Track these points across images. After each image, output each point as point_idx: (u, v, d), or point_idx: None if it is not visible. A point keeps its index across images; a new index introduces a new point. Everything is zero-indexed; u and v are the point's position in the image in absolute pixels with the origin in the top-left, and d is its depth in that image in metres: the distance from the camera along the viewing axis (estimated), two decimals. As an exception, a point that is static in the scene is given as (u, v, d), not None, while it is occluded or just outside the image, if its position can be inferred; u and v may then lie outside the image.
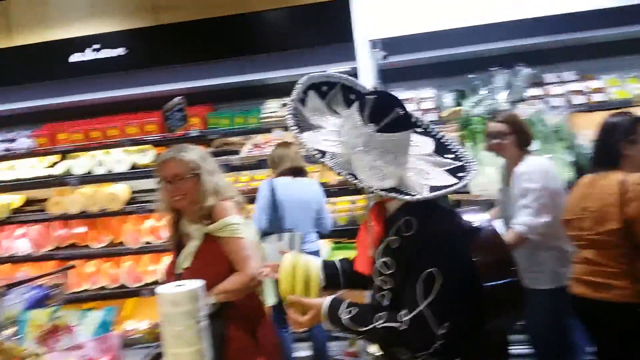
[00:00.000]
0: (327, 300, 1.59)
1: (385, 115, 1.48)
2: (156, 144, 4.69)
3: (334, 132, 1.60)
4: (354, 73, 4.14)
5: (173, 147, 2.35)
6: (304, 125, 1.58)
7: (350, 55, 4.17)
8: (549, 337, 2.93)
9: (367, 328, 1.49)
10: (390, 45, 4.18)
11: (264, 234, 3.51)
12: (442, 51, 4.21)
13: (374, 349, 1.75)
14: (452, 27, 4.06)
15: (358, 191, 1.74)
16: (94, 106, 4.90)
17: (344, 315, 1.53)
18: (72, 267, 4.28)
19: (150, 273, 4.47)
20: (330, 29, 4.28)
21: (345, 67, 4.21)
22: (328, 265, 1.83)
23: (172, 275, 2.26)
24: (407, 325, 1.43)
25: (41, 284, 3.75)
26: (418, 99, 4.20)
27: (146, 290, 4.34)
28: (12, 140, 4.87)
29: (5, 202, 4.74)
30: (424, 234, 1.47)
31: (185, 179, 2.23)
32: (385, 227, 1.56)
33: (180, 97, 4.32)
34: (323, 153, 1.51)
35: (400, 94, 4.22)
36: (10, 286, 3.34)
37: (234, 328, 2.19)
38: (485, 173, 3.72)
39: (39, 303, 3.45)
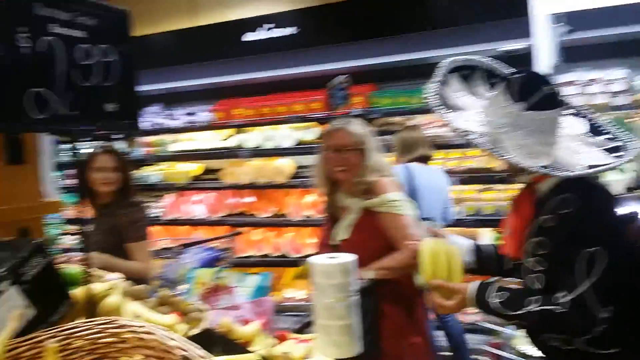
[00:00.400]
0: (473, 284, 1.56)
1: (534, 93, 1.47)
2: (320, 121, 4.81)
3: (477, 113, 1.59)
4: (528, 51, 3.82)
5: (342, 119, 2.40)
6: (447, 106, 1.58)
7: (524, 31, 3.84)
8: None
9: (520, 312, 1.43)
10: (575, 19, 3.76)
11: None
12: (636, 27, 3.69)
13: (518, 343, 1.65)
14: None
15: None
16: (265, 84, 5.16)
17: (493, 299, 1.49)
18: (240, 233, 4.63)
19: (309, 245, 4.64)
20: (504, 2, 4.00)
21: (518, 44, 3.92)
22: (482, 250, 1.81)
23: (326, 246, 2.30)
24: (566, 307, 1.36)
25: (213, 247, 4.09)
26: (606, 80, 3.73)
27: (305, 261, 4.49)
28: (193, 114, 5.35)
29: (187, 170, 5.24)
30: (586, 211, 1.42)
31: (351, 150, 2.25)
32: (536, 207, 1.52)
33: (343, 76, 4.35)
34: (469, 133, 1.51)
35: (585, 74, 3.80)
36: (186, 246, 3.70)
37: (390, 305, 2.18)
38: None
39: (209, 263, 3.76)
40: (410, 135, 3.70)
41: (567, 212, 1.42)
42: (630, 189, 3.35)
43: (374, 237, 2.20)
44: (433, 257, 1.65)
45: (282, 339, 1.69)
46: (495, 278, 1.69)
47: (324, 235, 2.41)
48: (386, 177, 2.30)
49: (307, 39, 4.81)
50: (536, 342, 1.57)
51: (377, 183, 2.25)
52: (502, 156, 1.46)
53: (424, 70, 4.47)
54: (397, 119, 4.56)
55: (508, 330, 3.15)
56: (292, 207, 4.71)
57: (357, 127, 2.31)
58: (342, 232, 2.27)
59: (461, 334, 3.66)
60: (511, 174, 1.62)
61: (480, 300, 1.52)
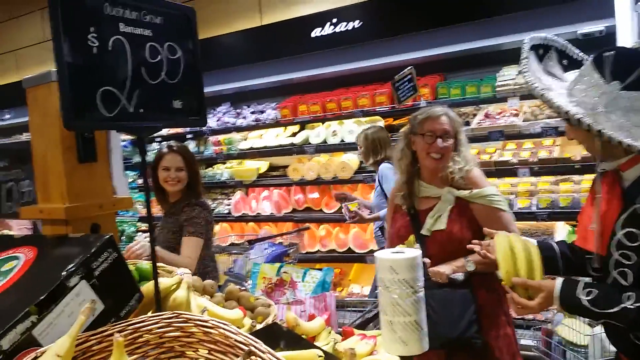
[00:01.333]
0: (558, 281, 1.47)
1: (632, 71, 1.36)
2: (386, 115, 4.74)
3: (562, 94, 1.49)
4: (610, 32, 3.59)
5: (436, 106, 2.34)
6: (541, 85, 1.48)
7: (606, 12, 3.61)
8: None
9: (615, 309, 1.34)
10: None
11: None
12: None
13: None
14: None
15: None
16: (331, 79, 5.16)
17: (583, 296, 1.39)
18: (308, 228, 4.65)
19: (374, 241, 4.59)
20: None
21: (599, 26, 3.68)
22: (544, 248, 1.69)
23: (403, 237, 2.24)
24: None
25: (280, 242, 4.13)
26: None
27: (370, 257, 4.48)
28: (261, 112, 5.42)
29: (254, 167, 5.32)
30: None
31: (451, 137, 2.22)
32: (625, 197, 1.42)
33: (409, 67, 4.27)
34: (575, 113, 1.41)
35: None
36: (253, 242, 3.74)
37: (485, 296, 2.15)
38: None
39: (277, 259, 3.80)
40: (378, 135, 3.78)
41: None
42: None
43: (468, 228, 2.16)
44: (511, 252, 1.56)
45: (347, 334, 1.67)
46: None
47: (400, 226, 2.33)
48: (476, 168, 2.27)
49: (371, 32, 4.77)
50: (621, 340, 1.48)
51: (472, 173, 2.21)
52: (610, 137, 1.35)
53: (492, 59, 4.41)
54: (466, 109, 4.42)
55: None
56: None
57: (454, 115, 2.28)
58: (436, 222, 2.20)
59: None
60: (595, 161, 1.52)
61: (568, 298, 1.43)
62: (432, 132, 2.21)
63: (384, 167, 3.74)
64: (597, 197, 1.49)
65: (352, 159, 4.78)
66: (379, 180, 3.80)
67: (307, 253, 4.73)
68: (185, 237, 2.65)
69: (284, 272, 2.40)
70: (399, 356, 1.47)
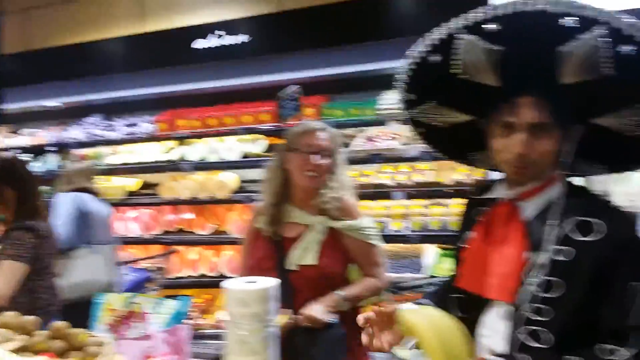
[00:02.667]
0: None
1: None
2: (269, 133, 4.57)
3: None
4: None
5: (316, 121, 2.20)
6: None
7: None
8: None
9: None
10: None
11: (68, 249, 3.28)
12: None
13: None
14: None
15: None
16: (213, 94, 4.90)
17: None
18: (174, 252, 4.29)
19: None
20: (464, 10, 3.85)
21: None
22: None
23: (267, 270, 1.96)
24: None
25: (145, 267, 3.76)
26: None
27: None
28: (135, 125, 5.01)
29: (122, 185, 4.87)
30: (622, 235, 1.12)
31: (327, 156, 2.01)
32: (528, 234, 1.18)
33: (295, 86, 4.14)
34: None
35: None
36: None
37: (349, 330, 1.92)
38: (633, 181, 3.10)
39: (139, 286, 3.41)
40: (74, 167, 3.75)
41: (595, 239, 1.12)
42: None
43: (340, 262, 2.00)
44: (439, 337, 1.15)
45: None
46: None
47: (262, 257, 2.05)
48: (351, 195, 2.09)
49: (258, 48, 4.60)
50: None
51: (346, 202, 2.02)
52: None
53: (376, 82, 4.40)
54: (349, 131, 4.36)
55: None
56: (233, 224, 4.41)
57: (335, 132, 2.09)
58: (305, 254, 1.96)
59: None
60: (477, 186, 1.33)
61: None
62: (308, 147, 1.99)
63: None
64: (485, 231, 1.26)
65: (230, 178, 4.53)
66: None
67: (176, 278, 4.36)
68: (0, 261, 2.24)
69: (134, 303, 2.09)
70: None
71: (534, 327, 1.13)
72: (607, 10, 1.01)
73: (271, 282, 1.31)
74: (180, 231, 4.68)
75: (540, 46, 1.07)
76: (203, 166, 4.63)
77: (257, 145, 4.51)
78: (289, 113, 4.28)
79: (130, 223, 4.75)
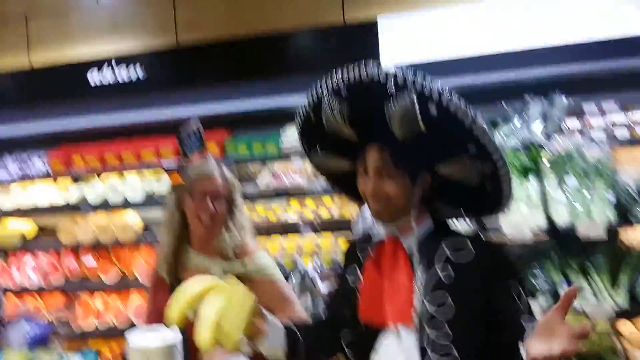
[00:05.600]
0: None
1: None
2: (172, 170, 4.52)
3: None
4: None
5: (208, 161, 2.08)
6: None
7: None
8: None
9: None
10: (418, 70, 3.94)
11: None
12: (473, 77, 3.95)
13: None
14: (485, 53, 3.81)
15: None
16: (110, 130, 4.76)
17: None
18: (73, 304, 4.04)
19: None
20: (357, 52, 4.06)
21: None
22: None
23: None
24: None
25: (47, 320, 3.58)
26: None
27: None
28: (26, 162, 4.75)
29: (18, 229, 4.60)
30: (488, 249, 1.34)
31: (224, 200, 1.96)
32: (411, 261, 1.36)
33: (195, 120, 4.13)
34: None
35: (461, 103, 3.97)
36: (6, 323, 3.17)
37: None
38: (518, 210, 3.44)
39: (42, 341, 3.26)
40: None
41: (467, 261, 1.31)
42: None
43: None
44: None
45: None
46: None
47: (163, 304, 2.04)
48: (250, 236, 2.04)
49: (156, 83, 4.52)
50: None
51: (245, 243, 1.98)
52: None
53: (278, 117, 4.50)
54: (253, 167, 4.43)
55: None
56: (140, 267, 4.31)
57: (230, 174, 2.01)
58: None
59: None
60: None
61: None
62: (202, 193, 1.94)
63: None
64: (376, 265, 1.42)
65: (134, 219, 4.42)
66: None
67: (81, 332, 4.17)
68: None
69: (36, 360, 2.04)
70: None
71: (438, 343, 1.28)
72: (419, 78, 1.21)
73: (175, 335, 1.34)
74: (84, 278, 4.49)
75: (375, 105, 1.26)
76: (105, 206, 4.49)
77: (161, 182, 4.44)
78: (191, 148, 4.25)
79: (28, 271, 4.49)
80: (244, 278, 1.89)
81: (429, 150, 1.32)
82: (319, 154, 1.52)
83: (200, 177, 1.97)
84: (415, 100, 1.20)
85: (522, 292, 1.30)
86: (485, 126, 1.24)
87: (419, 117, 1.22)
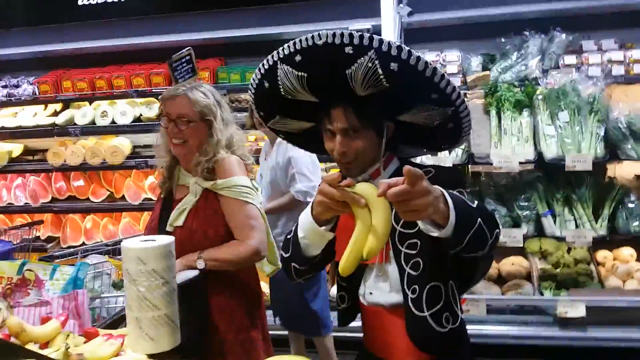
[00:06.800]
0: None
1: None
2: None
3: None
4: (376, 31, 3.84)
5: (189, 81, 2.07)
6: None
7: (373, 11, 3.85)
8: None
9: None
10: (416, 1, 3.86)
11: None
12: (472, 11, 3.88)
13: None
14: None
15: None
16: (101, 54, 4.67)
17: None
18: (41, 222, 4.07)
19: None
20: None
21: (367, 23, 3.91)
22: None
23: (155, 230, 2.04)
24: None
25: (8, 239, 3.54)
26: (442, 62, 3.89)
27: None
28: (16, 87, 4.68)
29: (5, 150, 4.57)
30: (445, 171, 1.54)
31: (192, 122, 1.97)
32: None
33: (188, 48, 4.05)
34: None
35: (424, 55, 3.92)
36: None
37: (224, 299, 1.99)
38: (508, 144, 3.45)
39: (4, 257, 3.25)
40: None
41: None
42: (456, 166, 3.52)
43: (213, 223, 1.98)
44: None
45: (90, 336, 1.45)
46: None
47: (154, 217, 2.12)
48: (240, 155, 2.07)
49: (147, 7, 4.42)
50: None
51: (222, 162, 1.99)
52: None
53: (271, 47, 4.40)
54: (246, 95, 4.38)
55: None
56: (130, 190, 4.32)
57: (201, 95, 2.00)
58: (179, 216, 1.99)
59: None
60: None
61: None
62: (167, 115, 1.98)
63: None
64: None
65: (124, 143, 4.40)
66: None
67: (69, 247, 4.22)
68: None
69: (28, 270, 2.05)
70: (146, 354, 1.32)
71: (414, 259, 1.40)
72: (377, 38, 1.25)
73: (168, 240, 1.37)
74: (72, 198, 4.51)
75: (335, 70, 1.31)
76: (93, 130, 4.46)
77: (152, 109, 4.39)
78: (183, 76, 4.19)
79: (16, 191, 4.50)
80: (215, 195, 1.98)
81: (392, 102, 1.38)
82: (278, 119, 1.57)
83: (167, 100, 2.01)
84: (376, 59, 1.24)
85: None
86: (443, 73, 1.32)
87: (381, 74, 1.26)
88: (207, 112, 1.99)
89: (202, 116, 1.98)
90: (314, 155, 3.12)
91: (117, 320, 1.87)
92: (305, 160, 3.10)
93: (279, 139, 3.15)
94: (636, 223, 3.35)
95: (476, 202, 1.30)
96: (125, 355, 1.33)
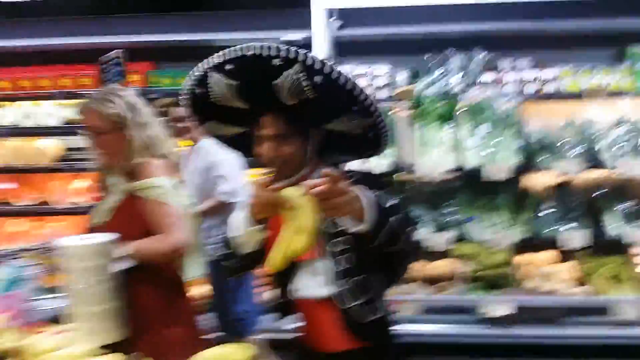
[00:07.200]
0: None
1: None
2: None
3: None
4: (307, 43, 3.96)
5: (99, 92, 2.06)
6: None
7: (305, 23, 3.97)
8: None
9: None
10: (347, 15, 4.02)
11: None
12: (400, 28, 4.07)
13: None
14: (412, 4, 3.94)
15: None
16: (26, 54, 4.52)
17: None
18: None
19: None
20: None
21: (298, 35, 4.02)
22: None
23: (88, 229, 2.06)
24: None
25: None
26: (372, 75, 4.07)
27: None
28: None
29: None
30: (367, 175, 1.64)
31: (106, 133, 1.98)
32: None
33: (117, 50, 4.01)
34: None
35: (354, 68, 4.08)
36: None
37: (144, 293, 1.99)
38: (431, 154, 3.66)
39: None
40: None
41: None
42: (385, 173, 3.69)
43: (132, 223, 1.98)
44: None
45: (32, 332, 1.46)
46: None
47: (89, 217, 2.14)
48: (162, 156, 2.08)
49: (77, 6, 4.33)
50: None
51: (142, 164, 2.00)
52: None
53: (204, 52, 4.41)
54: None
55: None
56: (57, 194, 4.22)
57: (113, 104, 1.98)
58: (100, 215, 2.03)
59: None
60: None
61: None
62: (87, 130, 2.02)
63: None
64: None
65: (49, 145, 4.28)
66: None
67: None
68: None
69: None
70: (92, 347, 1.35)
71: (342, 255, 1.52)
72: (303, 52, 1.36)
73: (107, 237, 1.40)
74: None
75: (264, 79, 1.41)
76: (18, 132, 4.32)
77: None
78: (112, 78, 4.14)
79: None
80: (136, 195, 2.00)
81: (317, 112, 1.50)
82: (211, 123, 1.67)
83: (82, 114, 2.03)
84: (301, 72, 1.36)
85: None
86: (362, 87, 1.44)
87: (306, 86, 1.38)
88: (117, 121, 1.99)
89: (113, 126, 1.99)
90: (236, 157, 3.18)
91: (52, 323, 1.86)
92: (227, 162, 3.20)
93: (197, 145, 3.22)
94: (550, 228, 3.64)
95: (392, 202, 1.42)
96: (67, 348, 1.36)
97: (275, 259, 1.32)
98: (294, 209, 1.30)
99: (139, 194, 1.99)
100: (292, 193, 1.32)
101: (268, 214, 1.40)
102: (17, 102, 4.39)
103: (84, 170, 4.04)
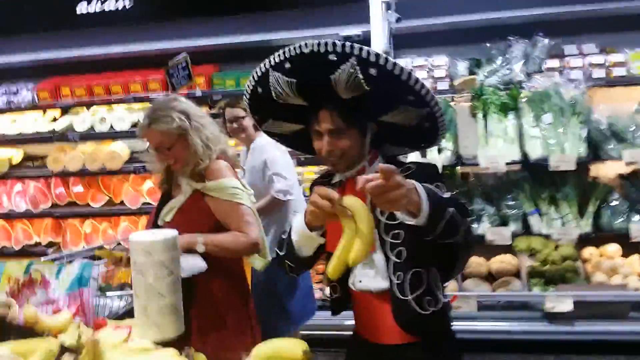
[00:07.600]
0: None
1: None
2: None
3: None
4: (366, 37, 3.97)
5: (150, 110, 2.12)
6: None
7: (363, 18, 3.99)
8: None
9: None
10: (404, 7, 3.99)
11: None
12: (458, 17, 4.01)
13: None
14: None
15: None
16: (98, 61, 4.77)
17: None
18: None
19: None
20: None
21: (357, 30, 4.04)
22: None
23: (152, 225, 2.17)
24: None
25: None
26: (430, 66, 4.02)
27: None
28: (15, 93, 4.78)
29: (5, 157, 4.67)
30: (424, 167, 1.62)
31: (170, 148, 2.10)
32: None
33: (184, 54, 4.16)
34: None
35: (412, 60, 4.05)
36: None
37: (213, 287, 2.11)
38: (494, 145, 3.58)
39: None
40: None
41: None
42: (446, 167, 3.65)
43: (200, 222, 2.10)
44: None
45: (99, 327, 1.56)
46: None
47: (153, 213, 2.27)
48: (222, 154, 2.19)
49: (144, 13, 4.51)
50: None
51: (210, 165, 2.12)
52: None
53: (265, 53, 4.50)
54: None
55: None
56: (128, 195, 4.43)
57: (167, 121, 2.06)
58: (168, 213, 2.15)
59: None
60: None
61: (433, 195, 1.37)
62: (149, 146, 2.16)
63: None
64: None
65: (122, 148, 4.51)
66: None
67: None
68: None
69: (35, 270, 2.15)
70: (153, 341, 1.43)
71: (397, 249, 1.53)
72: (357, 46, 1.38)
73: (172, 232, 1.48)
74: (72, 204, 4.60)
75: (321, 75, 1.45)
76: (92, 136, 4.57)
77: (149, 114, 4.49)
78: (179, 82, 4.31)
79: (16, 197, 4.59)
80: (204, 196, 2.12)
81: (373, 104, 1.52)
82: (271, 123, 1.72)
83: (142, 131, 2.13)
84: (357, 65, 1.38)
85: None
86: (418, 77, 1.44)
87: (362, 79, 1.40)
88: (178, 132, 2.08)
89: (177, 138, 2.09)
90: (288, 156, 3.32)
91: (119, 318, 1.97)
92: (280, 161, 3.25)
93: (252, 145, 3.30)
94: (619, 220, 3.48)
95: (449, 193, 1.43)
96: (133, 342, 1.44)
97: (335, 267, 1.33)
98: (353, 217, 1.32)
99: (210, 194, 2.11)
100: (352, 203, 1.33)
101: (326, 221, 1.42)
102: (93, 108, 4.63)
103: (151, 171, 4.21)
